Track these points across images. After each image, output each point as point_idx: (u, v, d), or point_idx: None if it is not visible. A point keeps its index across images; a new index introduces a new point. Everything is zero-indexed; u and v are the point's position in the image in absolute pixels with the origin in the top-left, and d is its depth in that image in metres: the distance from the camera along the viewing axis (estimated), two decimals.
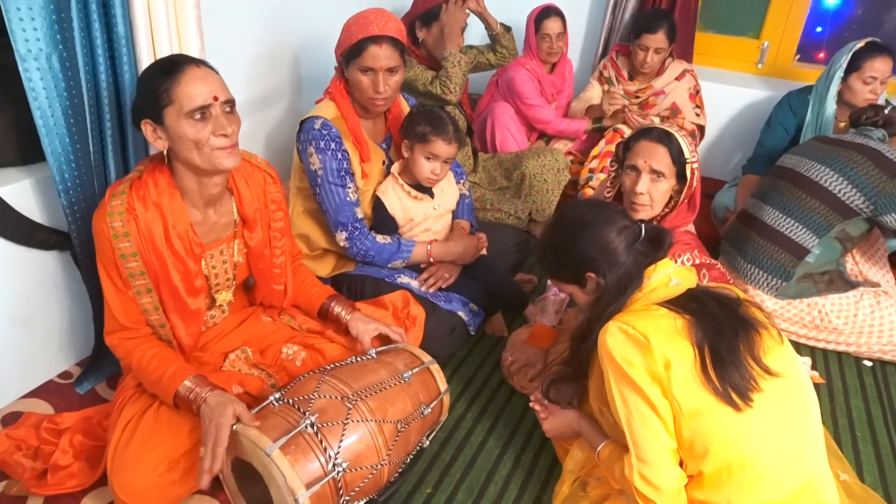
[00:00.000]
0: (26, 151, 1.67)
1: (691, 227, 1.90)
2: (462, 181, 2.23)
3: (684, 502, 1.22)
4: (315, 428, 1.30)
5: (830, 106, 2.60)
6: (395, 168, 2.03)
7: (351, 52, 1.85)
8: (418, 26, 2.59)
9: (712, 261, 1.86)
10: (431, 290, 2.00)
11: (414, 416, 1.48)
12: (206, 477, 1.30)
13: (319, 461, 1.29)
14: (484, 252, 2.13)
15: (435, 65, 2.58)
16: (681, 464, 1.23)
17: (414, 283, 2.00)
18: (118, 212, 1.36)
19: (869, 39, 2.54)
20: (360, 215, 1.94)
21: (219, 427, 1.30)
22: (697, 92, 3.05)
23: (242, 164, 1.54)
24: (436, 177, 1.98)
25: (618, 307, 1.31)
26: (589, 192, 2.89)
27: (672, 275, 1.33)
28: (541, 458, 1.73)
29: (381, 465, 1.38)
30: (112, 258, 1.39)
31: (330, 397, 1.38)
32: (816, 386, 1.81)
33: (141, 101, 1.37)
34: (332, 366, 1.52)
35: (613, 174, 1.87)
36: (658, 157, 1.68)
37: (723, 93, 3.24)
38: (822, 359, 2.22)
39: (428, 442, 1.60)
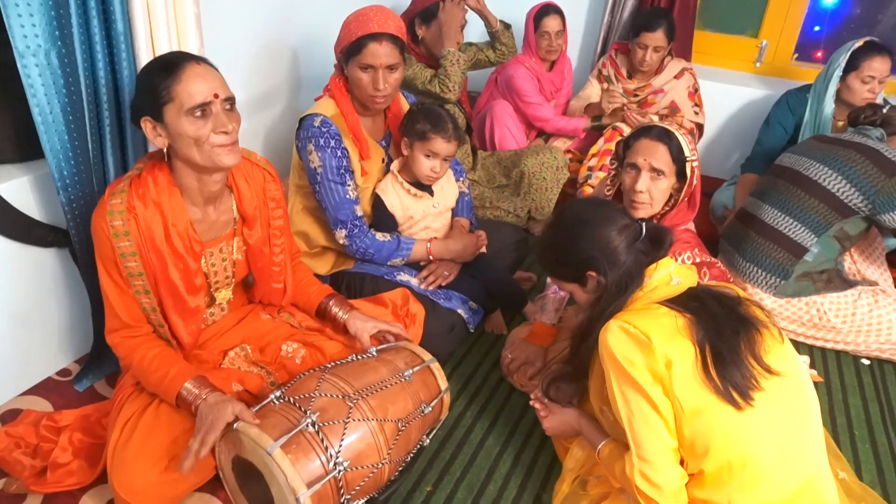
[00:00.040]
0: (25, 148, 1.67)
1: (691, 226, 1.90)
2: (461, 179, 2.22)
3: (685, 501, 1.23)
4: (316, 427, 1.30)
5: (829, 105, 2.61)
6: (395, 166, 2.03)
7: (351, 49, 1.84)
8: (418, 24, 2.58)
9: (713, 259, 1.86)
10: (431, 288, 2.00)
11: (415, 415, 1.47)
12: (191, 459, 1.27)
13: (320, 460, 1.28)
14: (483, 250, 2.13)
15: (434, 62, 2.58)
16: (681, 462, 1.23)
17: (413, 281, 2.00)
18: (118, 210, 1.36)
19: (867, 39, 2.55)
20: (359, 213, 1.94)
21: (216, 419, 1.30)
22: (696, 90, 3.05)
23: (242, 162, 1.54)
24: (435, 175, 1.98)
25: (619, 306, 1.31)
26: (588, 190, 2.89)
27: (673, 273, 1.33)
28: (540, 457, 1.73)
29: (382, 463, 1.38)
30: (112, 257, 1.38)
31: (331, 396, 1.38)
32: (815, 384, 1.81)
33: (140, 98, 1.37)
34: (332, 364, 1.52)
35: (613, 172, 1.87)
36: (658, 155, 1.68)
37: (721, 91, 3.25)
38: (820, 357, 2.23)
39: (428, 440, 1.60)
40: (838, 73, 2.56)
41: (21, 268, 1.69)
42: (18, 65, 1.42)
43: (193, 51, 1.68)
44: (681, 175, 1.71)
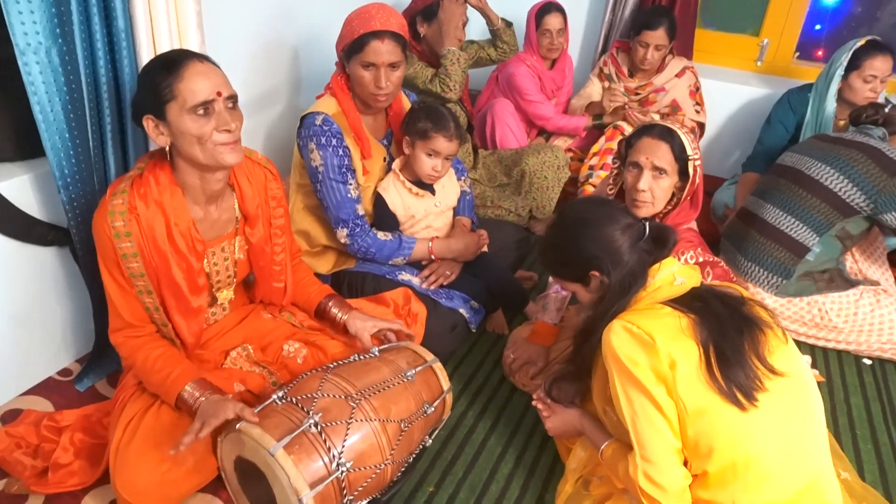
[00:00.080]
0: (25, 146, 1.66)
1: (694, 225, 1.90)
2: (463, 178, 2.22)
3: (689, 502, 1.22)
4: (319, 427, 1.30)
5: (830, 104, 2.60)
6: (396, 164, 2.02)
7: (352, 46, 1.83)
8: (419, 21, 2.57)
9: (716, 259, 1.85)
10: (432, 288, 1.99)
11: (417, 415, 1.47)
12: (191, 436, 1.25)
13: (323, 461, 1.28)
14: (485, 249, 2.12)
15: (436, 60, 2.57)
16: (685, 463, 1.23)
17: (415, 281, 2.00)
18: (119, 211, 1.35)
19: (869, 38, 2.54)
20: (361, 212, 1.93)
21: (218, 410, 1.29)
22: (698, 89, 3.05)
23: (243, 161, 1.53)
24: (437, 173, 1.97)
25: (622, 306, 1.31)
26: (589, 189, 2.88)
27: (676, 273, 1.33)
28: (542, 457, 1.73)
29: (385, 464, 1.37)
30: (114, 257, 1.37)
31: (333, 396, 1.38)
32: (817, 384, 1.81)
33: (142, 96, 1.36)
34: (334, 364, 1.52)
35: (615, 171, 1.87)
36: (660, 153, 1.68)
37: (722, 90, 3.24)
38: (822, 357, 2.23)
39: (430, 441, 1.59)
40: (840, 72, 2.56)
41: (21, 267, 1.68)
42: (19, 62, 1.41)
43: (195, 48, 1.67)
44: (683, 174, 1.71)
